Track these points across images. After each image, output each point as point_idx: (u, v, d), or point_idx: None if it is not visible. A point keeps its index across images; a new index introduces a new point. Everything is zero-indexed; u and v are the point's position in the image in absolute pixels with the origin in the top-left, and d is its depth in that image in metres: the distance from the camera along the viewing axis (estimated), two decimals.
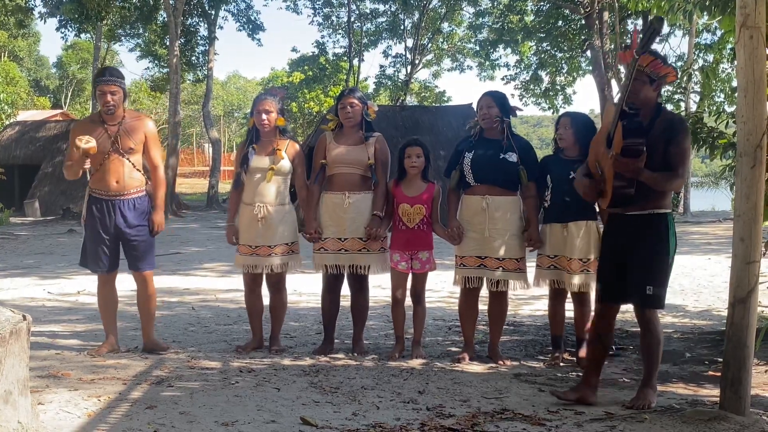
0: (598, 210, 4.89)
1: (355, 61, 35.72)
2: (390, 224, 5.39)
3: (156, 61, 35.44)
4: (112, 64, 39.71)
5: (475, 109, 5.37)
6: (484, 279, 5.18)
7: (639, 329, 4.30)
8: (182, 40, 29.33)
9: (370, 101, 5.57)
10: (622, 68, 23.38)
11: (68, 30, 28.49)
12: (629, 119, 4.00)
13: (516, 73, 32.01)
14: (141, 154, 5.31)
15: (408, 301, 5.40)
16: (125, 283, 5.98)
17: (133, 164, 5.24)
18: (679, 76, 4.91)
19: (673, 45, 27.59)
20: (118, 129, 5.21)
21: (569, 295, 5.23)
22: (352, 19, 35.14)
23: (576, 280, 5.01)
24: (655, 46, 4.04)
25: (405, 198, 5.31)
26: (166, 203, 5.57)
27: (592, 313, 4.64)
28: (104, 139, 5.17)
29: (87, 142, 5.02)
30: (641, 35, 3.96)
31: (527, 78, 31.53)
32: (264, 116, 5.35)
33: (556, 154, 5.31)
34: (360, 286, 5.45)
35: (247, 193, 5.39)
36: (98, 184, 5.23)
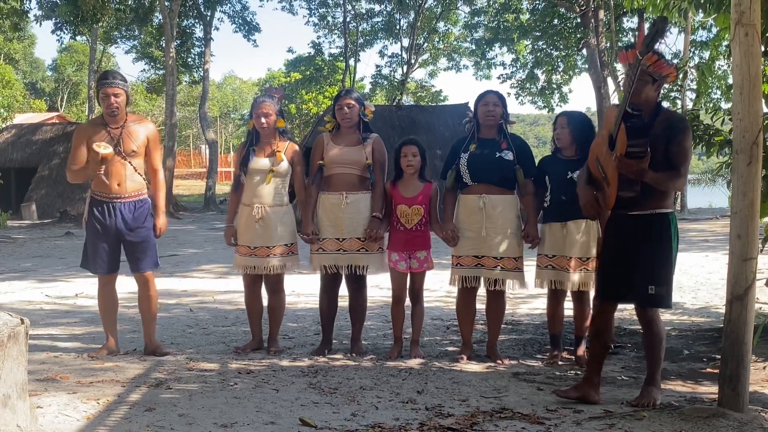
0: None
1: (351, 61, 35.73)
2: (388, 225, 5.39)
3: (152, 63, 35.46)
4: (108, 67, 39.74)
5: (474, 105, 5.29)
6: (481, 278, 5.18)
7: (637, 327, 4.30)
8: (178, 42, 29.35)
9: (367, 102, 5.58)
10: (620, 67, 23.40)
11: (64, 32, 28.45)
12: (632, 121, 3.99)
13: (512, 72, 32.17)
14: (143, 158, 5.32)
15: (406, 300, 5.40)
16: (123, 286, 5.97)
17: (134, 167, 5.25)
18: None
19: (669, 42, 27.62)
20: (120, 132, 5.23)
21: (568, 294, 5.23)
22: (348, 19, 35.17)
23: (575, 278, 5.01)
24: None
25: (403, 199, 5.31)
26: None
27: (591, 312, 4.64)
28: (107, 142, 5.18)
29: (105, 148, 5.04)
30: (646, 33, 3.93)
31: (523, 76, 31.66)
32: (263, 120, 5.37)
33: (554, 154, 5.30)
34: (358, 286, 5.45)
35: (246, 194, 5.41)
36: (100, 186, 5.25)
